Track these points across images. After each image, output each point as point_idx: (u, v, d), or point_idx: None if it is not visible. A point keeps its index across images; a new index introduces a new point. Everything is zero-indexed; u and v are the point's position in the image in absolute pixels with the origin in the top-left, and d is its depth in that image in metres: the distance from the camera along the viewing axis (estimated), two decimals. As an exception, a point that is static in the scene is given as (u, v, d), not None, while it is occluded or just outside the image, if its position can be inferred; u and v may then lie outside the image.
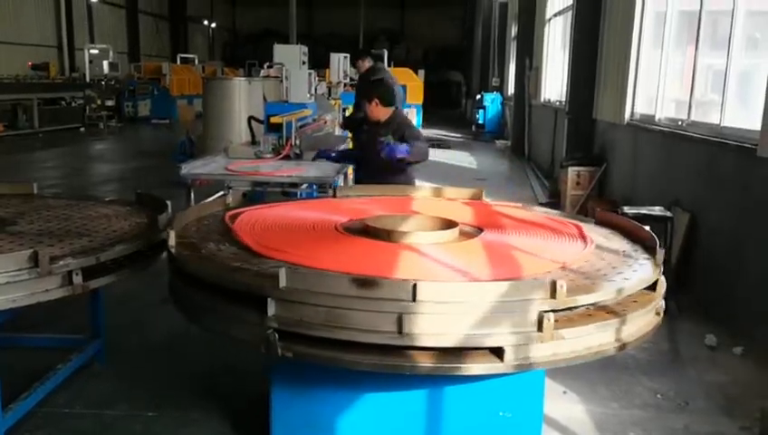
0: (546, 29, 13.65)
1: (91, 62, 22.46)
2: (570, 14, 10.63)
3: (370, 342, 2.22)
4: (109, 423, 3.29)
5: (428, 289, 2.18)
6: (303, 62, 15.56)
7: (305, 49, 15.88)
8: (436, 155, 15.26)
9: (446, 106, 32.68)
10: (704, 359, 4.29)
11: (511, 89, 18.31)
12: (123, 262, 3.01)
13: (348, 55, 13.28)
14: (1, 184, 4.18)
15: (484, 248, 2.90)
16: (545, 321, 2.20)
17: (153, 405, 3.44)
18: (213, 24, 39.96)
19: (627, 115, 7.69)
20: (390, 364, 2.23)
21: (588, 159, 8.61)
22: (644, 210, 5.20)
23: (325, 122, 10.04)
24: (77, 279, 2.73)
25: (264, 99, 11.19)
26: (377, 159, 4.55)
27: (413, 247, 2.84)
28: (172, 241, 2.81)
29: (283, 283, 2.26)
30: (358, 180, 5.06)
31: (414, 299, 2.16)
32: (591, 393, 3.74)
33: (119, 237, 3.11)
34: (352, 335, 2.22)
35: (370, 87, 5.17)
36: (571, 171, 8.47)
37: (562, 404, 3.59)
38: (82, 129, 19.04)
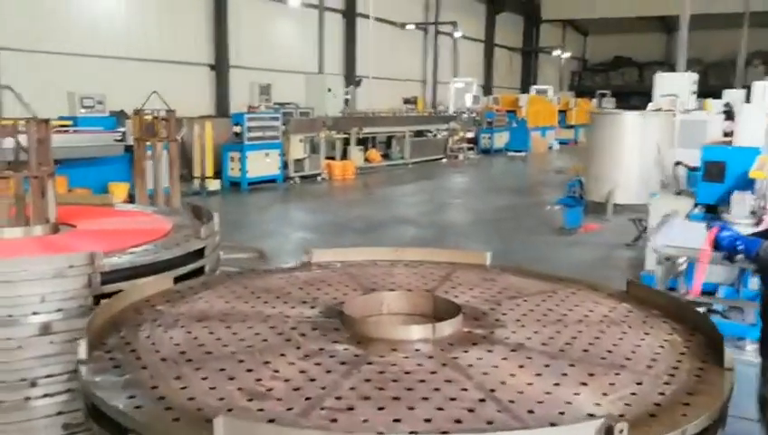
0: None
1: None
2: None
3: None
4: None
5: None
6: (693, 92, 13.25)
7: (695, 77, 13.66)
8: None
9: None
10: None
11: None
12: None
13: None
14: (455, 252, 3.10)
15: None
16: None
17: None
18: (565, 55, 38.74)
19: None
20: None
21: None
22: None
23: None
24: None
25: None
26: None
27: None
28: None
29: None
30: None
31: None
32: None
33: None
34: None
35: None
36: None
37: None
38: (444, 160, 19.28)
